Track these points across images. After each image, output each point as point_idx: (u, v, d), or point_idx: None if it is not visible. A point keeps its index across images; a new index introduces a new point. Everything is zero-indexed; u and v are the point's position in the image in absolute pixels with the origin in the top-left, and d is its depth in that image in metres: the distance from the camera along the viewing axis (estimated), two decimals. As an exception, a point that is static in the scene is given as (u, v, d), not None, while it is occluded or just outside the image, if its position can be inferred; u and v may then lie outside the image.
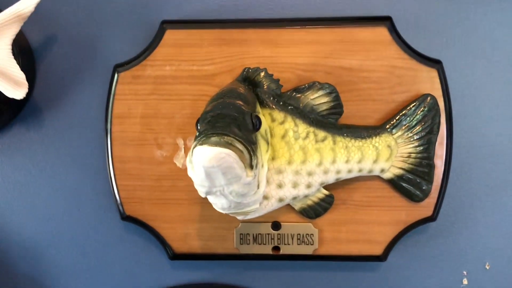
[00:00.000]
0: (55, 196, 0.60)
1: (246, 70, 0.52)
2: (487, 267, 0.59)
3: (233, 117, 0.42)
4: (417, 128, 0.53)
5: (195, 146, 0.40)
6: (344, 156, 0.52)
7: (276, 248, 0.56)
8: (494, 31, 0.57)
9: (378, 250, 0.56)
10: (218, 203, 0.45)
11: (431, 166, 0.54)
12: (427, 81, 0.54)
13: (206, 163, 0.39)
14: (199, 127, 0.43)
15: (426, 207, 0.55)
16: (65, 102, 0.59)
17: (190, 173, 0.42)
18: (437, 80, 0.54)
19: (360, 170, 0.53)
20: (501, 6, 0.57)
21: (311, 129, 0.51)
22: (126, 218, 0.57)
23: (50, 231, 0.60)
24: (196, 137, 0.41)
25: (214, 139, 0.39)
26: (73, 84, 0.59)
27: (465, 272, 0.59)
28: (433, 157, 0.54)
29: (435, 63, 0.55)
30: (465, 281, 0.59)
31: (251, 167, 0.41)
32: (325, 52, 0.55)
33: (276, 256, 0.57)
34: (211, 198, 0.45)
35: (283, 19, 0.56)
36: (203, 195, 0.43)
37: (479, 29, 0.57)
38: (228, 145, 0.39)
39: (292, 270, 0.60)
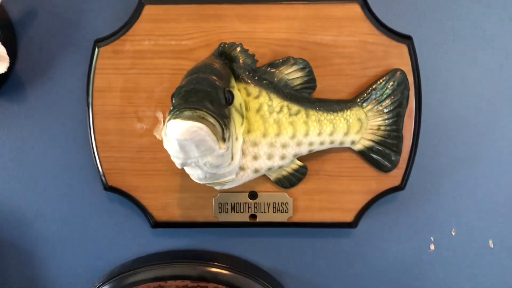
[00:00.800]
0: (39, 167, 0.62)
1: (222, 45, 0.54)
2: (453, 233, 0.62)
3: (206, 92, 0.44)
4: (387, 101, 0.56)
5: (169, 119, 0.42)
6: (317, 129, 0.54)
7: (253, 216, 0.59)
8: (464, 8, 0.59)
9: (349, 217, 0.59)
10: (195, 174, 0.47)
11: (400, 138, 0.56)
12: (398, 56, 0.56)
13: (179, 136, 0.41)
14: (173, 101, 0.44)
15: (395, 177, 0.58)
16: (47, 76, 0.61)
17: (165, 145, 0.44)
18: (407, 56, 0.56)
19: (331, 142, 0.55)
20: (471, -17, 0.59)
21: (285, 103, 0.53)
22: (109, 188, 0.59)
23: (36, 201, 0.62)
24: (170, 111, 0.43)
25: (187, 113, 0.41)
26: (55, 58, 0.60)
27: (432, 238, 0.63)
28: (401, 129, 0.56)
29: (405, 39, 0.56)
30: (432, 247, 0.63)
31: (224, 140, 0.43)
32: (300, 28, 0.56)
33: (253, 224, 0.59)
34: (187, 169, 0.47)
35: (259, -6, 0.57)
36: (179, 166, 0.45)
37: (450, 6, 0.59)
38: (200, 119, 0.41)
39: (268, 237, 0.62)
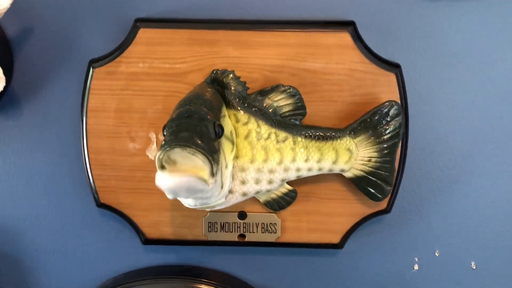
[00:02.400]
0: (33, 183, 0.63)
1: (214, 72, 0.55)
2: (437, 254, 0.64)
3: (196, 127, 0.45)
4: (380, 134, 0.55)
5: (160, 157, 0.43)
6: (304, 156, 0.55)
7: (242, 236, 0.60)
8: (451, 36, 0.60)
9: (335, 238, 0.60)
10: (185, 202, 0.49)
11: (393, 170, 0.56)
12: (386, 85, 0.57)
13: (168, 189, 0.43)
14: (165, 134, 0.46)
15: (381, 201, 0.59)
16: (42, 93, 0.62)
17: (157, 183, 0.44)
18: (395, 84, 0.57)
19: (320, 169, 0.56)
20: (459, 13, 0.60)
21: (273, 130, 0.54)
22: (101, 205, 0.60)
23: (29, 215, 0.63)
24: (161, 146, 0.44)
25: (177, 149, 0.42)
26: (50, 77, 0.61)
27: (416, 259, 0.64)
28: (394, 161, 0.56)
29: (394, 67, 0.57)
30: (416, 267, 0.64)
31: (213, 174, 0.44)
32: (290, 54, 0.57)
33: (241, 243, 0.61)
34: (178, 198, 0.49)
35: (252, 20, 0.58)
36: (170, 198, 0.46)
37: (438, 34, 0.60)
38: (189, 157, 0.43)
39: (257, 255, 0.64)
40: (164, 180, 0.43)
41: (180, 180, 0.43)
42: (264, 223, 0.60)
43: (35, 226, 0.64)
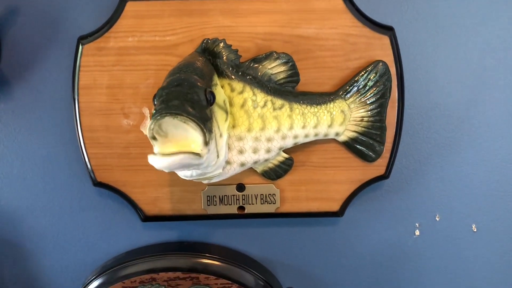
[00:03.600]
0: (29, 164, 0.62)
1: (205, 41, 0.54)
2: (437, 219, 0.64)
3: (186, 94, 0.44)
4: (369, 93, 0.56)
5: (151, 127, 0.42)
6: (301, 122, 0.55)
7: (241, 208, 0.60)
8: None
9: (335, 206, 0.60)
10: (182, 174, 0.48)
11: (383, 129, 0.57)
12: (380, 48, 0.57)
13: (162, 168, 0.43)
14: (155, 103, 0.45)
15: (379, 166, 0.59)
16: (33, 73, 0.61)
17: (149, 162, 0.44)
18: (389, 47, 0.57)
19: (316, 135, 0.56)
20: (451, -28, 0.59)
21: (269, 97, 0.54)
22: (98, 184, 0.59)
23: (26, 198, 0.63)
24: (152, 115, 0.43)
25: (168, 118, 0.42)
26: (39, 56, 0.60)
27: (417, 224, 0.64)
28: (384, 120, 0.57)
29: (387, 30, 0.57)
30: (417, 232, 0.64)
31: (206, 143, 0.43)
32: (282, 21, 0.57)
33: (241, 215, 0.60)
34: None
35: (241, -11, 0.58)
36: (166, 171, 0.46)
37: (431, -5, 0.60)
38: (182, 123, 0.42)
39: (257, 227, 0.64)
40: (157, 162, 0.43)
41: (173, 160, 0.42)
42: (263, 194, 0.60)
43: (33, 209, 0.63)
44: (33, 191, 0.63)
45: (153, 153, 0.43)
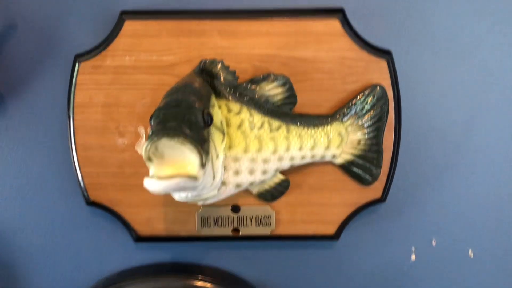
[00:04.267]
0: (22, 182, 0.61)
1: (203, 62, 0.54)
2: (434, 243, 0.63)
3: (184, 115, 0.44)
4: (367, 116, 0.56)
5: (147, 148, 0.42)
6: (298, 144, 0.55)
7: (236, 230, 0.59)
8: (442, 23, 0.60)
9: (331, 229, 0.59)
10: (176, 195, 0.48)
11: (380, 152, 0.57)
12: (377, 71, 0.57)
13: (157, 192, 0.42)
14: (152, 124, 0.45)
15: (375, 189, 0.59)
16: (28, 90, 0.60)
17: (145, 185, 0.43)
18: (387, 70, 0.57)
19: (313, 156, 0.56)
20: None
21: (266, 118, 0.54)
22: (91, 203, 0.59)
23: (18, 216, 0.62)
24: (149, 136, 0.43)
25: (164, 139, 0.41)
26: (35, 73, 0.60)
27: (413, 248, 0.63)
28: (381, 143, 0.57)
29: (385, 54, 0.57)
30: (413, 257, 0.64)
31: (202, 165, 0.43)
32: (280, 43, 0.57)
33: (236, 237, 0.59)
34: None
35: (239, 10, 0.58)
36: (161, 194, 0.45)
37: (428, 20, 0.60)
38: (179, 146, 0.42)
39: (251, 249, 0.63)
40: (152, 185, 0.42)
41: (169, 184, 0.42)
42: (258, 216, 0.59)
43: (24, 227, 0.62)
44: (24, 209, 0.62)
45: (148, 175, 0.43)
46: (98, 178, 0.58)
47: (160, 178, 0.42)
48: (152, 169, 0.43)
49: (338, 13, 0.57)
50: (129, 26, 0.56)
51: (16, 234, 0.62)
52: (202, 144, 0.43)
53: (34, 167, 0.61)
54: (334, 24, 0.56)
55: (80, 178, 0.58)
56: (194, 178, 0.42)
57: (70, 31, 0.60)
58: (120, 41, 0.56)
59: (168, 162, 0.42)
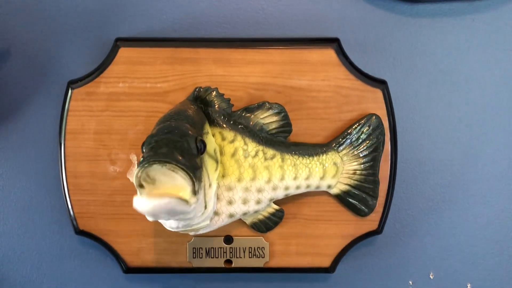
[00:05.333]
0: (9, 210, 0.60)
1: (197, 90, 0.53)
2: (431, 277, 0.62)
3: (176, 142, 0.43)
4: (362, 146, 0.56)
5: (138, 174, 0.41)
6: (292, 173, 0.54)
7: (228, 262, 0.58)
8: (437, 53, 0.60)
9: (326, 262, 0.58)
10: (167, 224, 0.46)
11: (376, 182, 0.56)
12: (373, 101, 0.57)
13: (147, 213, 0.41)
14: (144, 151, 0.44)
15: (372, 221, 0.58)
16: (19, 116, 0.60)
17: (135, 205, 0.42)
18: (382, 100, 0.57)
19: (308, 186, 0.55)
20: (444, 30, 0.60)
21: (260, 147, 0.53)
22: (80, 232, 0.57)
23: (3, 244, 0.60)
24: (140, 162, 0.42)
25: (156, 166, 0.40)
26: (27, 99, 0.59)
27: (410, 282, 0.62)
28: (378, 173, 0.56)
29: (380, 83, 0.57)
30: (410, 291, 0.62)
31: (195, 193, 0.42)
32: (275, 72, 0.56)
33: (228, 269, 0.58)
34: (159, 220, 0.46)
35: (234, 38, 0.58)
36: (150, 220, 0.44)
37: (423, 50, 0.60)
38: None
39: (244, 282, 0.61)
40: (142, 204, 0.41)
41: (159, 203, 0.40)
42: (251, 247, 0.57)
43: (10, 256, 0.60)
44: (11, 237, 0.60)
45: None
46: (88, 206, 0.57)
47: (150, 195, 0.40)
48: (143, 195, 0.41)
49: (334, 42, 0.57)
50: (124, 53, 0.56)
51: (1, 263, 0.60)
52: (194, 171, 0.42)
53: (23, 194, 0.60)
54: (329, 54, 0.56)
55: (69, 206, 0.57)
56: (185, 201, 0.41)
57: (64, 57, 0.59)
58: (114, 68, 0.56)
59: (160, 188, 0.41)
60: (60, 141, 0.56)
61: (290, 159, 0.54)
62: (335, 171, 0.55)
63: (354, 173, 0.56)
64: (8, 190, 0.60)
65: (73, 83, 0.56)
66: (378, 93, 0.57)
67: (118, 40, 0.57)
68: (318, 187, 0.55)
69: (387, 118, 0.57)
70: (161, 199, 0.40)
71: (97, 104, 0.56)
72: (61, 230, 0.60)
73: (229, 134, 0.52)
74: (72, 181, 0.57)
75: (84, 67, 0.58)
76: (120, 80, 0.56)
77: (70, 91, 0.56)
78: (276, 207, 0.56)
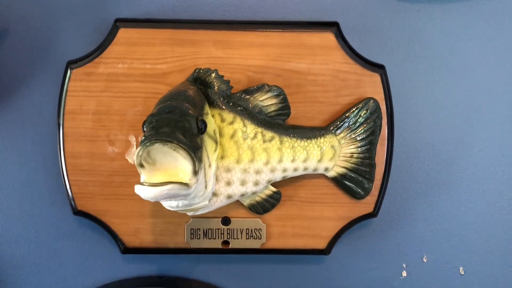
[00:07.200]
0: (8, 191, 0.60)
1: (197, 71, 0.53)
2: (425, 260, 0.63)
3: (177, 122, 0.43)
4: (360, 129, 0.56)
5: (140, 153, 0.41)
6: (290, 156, 0.54)
7: (226, 243, 0.58)
8: (435, 38, 0.61)
9: (322, 244, 0.59)
10: (167, 204, 0.47)
11: (372, 166, 0.57)
12: (370, 85, 0.57)
13: (149, 198, 0.41)
14: (144, 130, 0.44)
15: (367, 204, 0.58)
16: (18, 97, 0.59)
17: (136, 191, 0.42)
18: (380, 84, 0.57)
19: (305, 169, 0.55)
20: (441, 15, 0.61)
21: (259, 129, 0.53)
22: (78, 213, 0.57)
23: (1, 226, 0.60)
24: (141, 141, 0.42)
25: (157, 145, 0.41)
26: (26, 80, 0.59)
27: (404, 265, 0.63)
28: (374, 157, 0.57)
29: (378, 68, 0.57)
30: (404, 273, 0.63)
31: (195, 173, 0.42)
32: (274, 55, 0.57)
33: (225, 250, 0.58)
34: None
35: (234, 21, 0.58)
36: (152, 201, 0.44)
37: (421, 36, 0.61)
38: (171, 152, 0.41)
39: (241, 263, 0.62)
40: (143, 192, 0.41)
41: (161, 190, 0.41)
42: (248, 229, 0.58)
43: (7, 236, 0.61)
44: (8, 217, 0.60)
45: (139, 182, 0.42)
46: (86, 187, 0.57)
47: (151, 184, 0.41)
48: (144, 175, 0.42)
49: (333, 26, 0.57)
50: (123, 33, 0.56)
51: (0, 243, 0.61)
52: (195, 151, 0.42)
53: (21, 174, 0.60)
54: (328, 38, 0.57)
55: (68, 186, 0.57)
56: (186, 185, 0.41)
57: (63, 38, 0.59)
58: (113, 49, 0.56)
59: (160, 168, 0.42)
60: (59, 122, 0.56)
61: (288, 141, 0.54)
62: (332, 154, 0.56)
63: (351, 156, 0.56)
64: (6, 171, 0.60)
65: (72, 64, 0.56)
66: (376, 78, 0.57)
67: (117, 20, 0.56)
68: (315, 169, 0.56)
69: (384, 102, 0.57)
70: (162, 186, 0.41)
71: (96, 84, 0.56)
72: (59, 211, 0.60)
73: (228, 116, 0.53)
74: (71, 161, 0.57)
75: (83, 47, 0.58)
76: (120, 61, 0.56)
77: (69, 71, 0.56)
78: (273, 189, 0.56)
